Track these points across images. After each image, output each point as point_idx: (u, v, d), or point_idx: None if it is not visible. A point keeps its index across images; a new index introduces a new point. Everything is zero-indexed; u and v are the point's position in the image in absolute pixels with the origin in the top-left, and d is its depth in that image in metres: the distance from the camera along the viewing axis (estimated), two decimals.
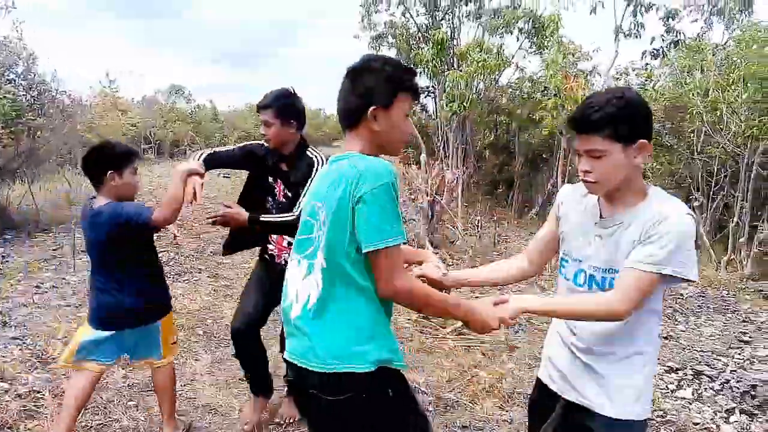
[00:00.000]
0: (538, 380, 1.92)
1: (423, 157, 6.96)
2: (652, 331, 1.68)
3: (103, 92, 10.23)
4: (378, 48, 10.59)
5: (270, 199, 2.97)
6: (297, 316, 1.61)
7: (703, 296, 5.97)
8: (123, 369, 3.60)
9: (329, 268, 1.53)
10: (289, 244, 2.87)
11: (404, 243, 1.51)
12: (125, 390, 3.42)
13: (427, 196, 6.69)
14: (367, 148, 1.61)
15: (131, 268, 2.56)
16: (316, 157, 2.84)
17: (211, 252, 6.89)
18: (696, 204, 7.63)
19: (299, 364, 1.58)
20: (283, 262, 2.90)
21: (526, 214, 10.33)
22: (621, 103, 1.54)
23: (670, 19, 5.49)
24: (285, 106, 2.82)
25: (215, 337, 4.45)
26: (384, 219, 1.44)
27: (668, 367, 4.03)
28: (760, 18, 7.70)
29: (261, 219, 2.65)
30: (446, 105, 6.72)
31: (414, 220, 7.47)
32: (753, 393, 3.50)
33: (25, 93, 8.10)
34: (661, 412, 3.39)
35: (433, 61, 6.64)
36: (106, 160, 2.52)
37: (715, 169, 7.16)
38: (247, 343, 2.98)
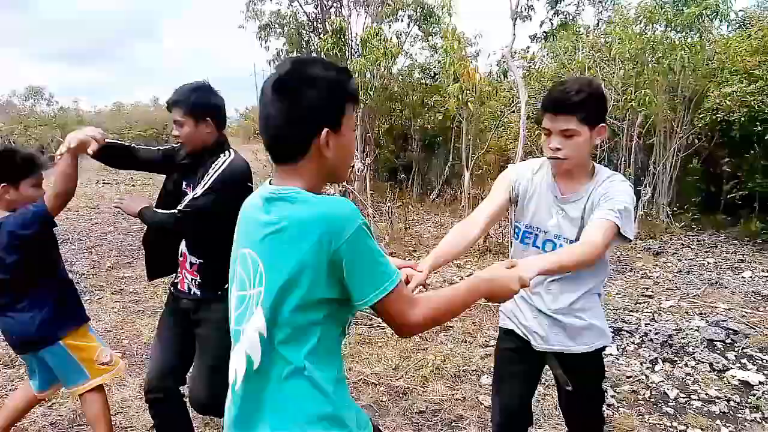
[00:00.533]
0: (510, 331, 2.06)
1: None
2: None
3: None
4: (266, 38, 10.26)
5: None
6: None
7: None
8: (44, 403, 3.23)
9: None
10: (191, 264, 2.40)
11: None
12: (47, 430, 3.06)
13: (339, 186, 6.62)
14: (313, 182, 1.23)
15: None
16: (224, 154, 2.38)
17: (109, 266, 6.35)
18: None
19: None
20: (188, 292, 2.40)
21: (427, 197, 10.59)
22: (593, 90, 1.76)
23: (557, 2, 5.87)
24: (199, 102, 2.35)
25: (136, 356, 4.12)
26: (375, 264, 1.16)
27: None
28: (625, 1, 8.38)
29: (144, 211, 2.26)
30: None
31: None
32: (670, 342, 3.85)
33: None
34: None
35: (334, 50, 6.54)
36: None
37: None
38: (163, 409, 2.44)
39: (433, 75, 11.12)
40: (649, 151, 7.87)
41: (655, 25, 7.22)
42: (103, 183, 13.33)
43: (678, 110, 7.31)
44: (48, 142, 21.46)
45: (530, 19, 5.97)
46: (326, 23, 8.75)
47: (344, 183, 6.86)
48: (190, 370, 2.47)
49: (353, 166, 6.72)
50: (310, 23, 9.89)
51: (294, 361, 1.17)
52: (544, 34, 6.11)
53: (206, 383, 2.32)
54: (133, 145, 2.57)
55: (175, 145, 2.55)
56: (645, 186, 7.13)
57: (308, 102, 1.17)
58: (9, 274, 2.21)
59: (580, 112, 1.72)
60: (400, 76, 10.92)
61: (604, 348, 1.99)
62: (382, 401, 3.32)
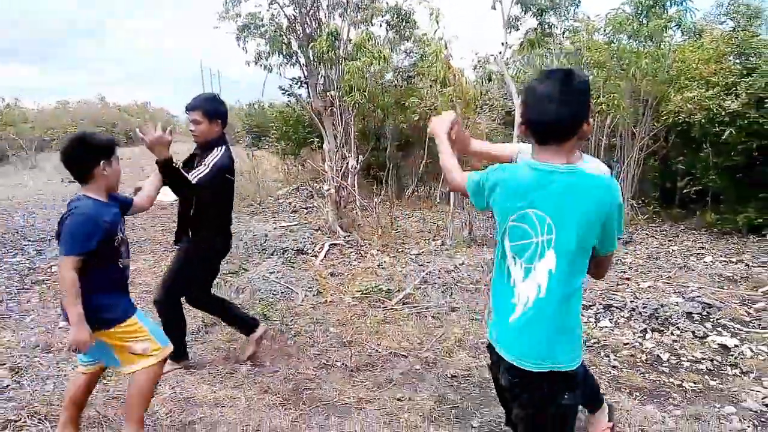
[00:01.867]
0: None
1: (326, 145, 7.19)
2: None
3: None
4: (246, 39, 10.39)
5: None
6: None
7: None
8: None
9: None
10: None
11: None
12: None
13: (333, 182, 6.95)
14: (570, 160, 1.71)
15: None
16: (221, 147, 3.35)
17: None
18: None
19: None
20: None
21: (403, 194, 11.00)
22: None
23: (543, 14, 6.41)
24: (212, 107, 3.36)
25: None
26: (618, 230, 1.71)
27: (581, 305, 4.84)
28: (589, 12, 9.04)
29: (172, 164, 3.00)
30: (347, 95, 7.00)
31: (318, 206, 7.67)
32: (656, 315, 4.40)
33: None
34: (595, 339, 4.13)
35: (329, 52, 6.86)
36: (94, 151, 2.48)
37: None
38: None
39: (407, 77, 11.50)
40: (613, 151, 8.56)
41: (619, 34, 7.89)
42: (69, 181, 13.07)
43: (640, 113, 8.01)
44: None
45: (518, 29, 6.47)
46: (310, 27, 9.03)
47: (339, 179, 7.20)
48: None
49: (347, 163, 7.06)
50: (290, 25, 10.08)
51: (575, 285, 1.71)
52: (530, 43, 6.62)
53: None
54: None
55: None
56: None
57: (581, 99, 1.68)
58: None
59: None
60: (373, 78, 11.29)
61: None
62: (416, 369, 3.70)
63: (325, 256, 6.34)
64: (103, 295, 2.45)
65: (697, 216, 7.91)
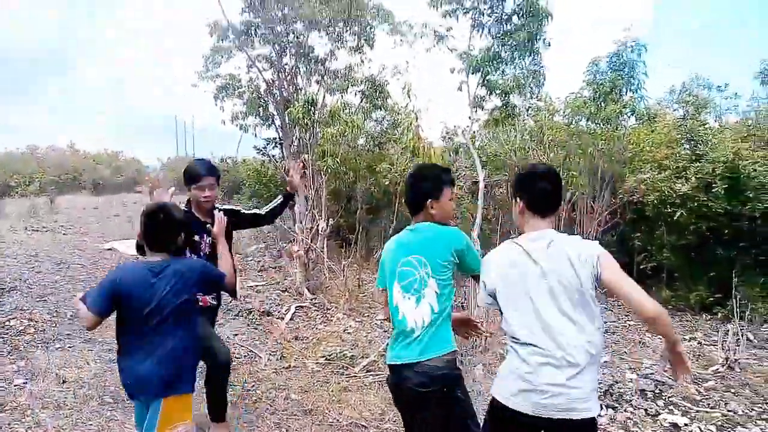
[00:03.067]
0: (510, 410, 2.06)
1: (297, 207, 7.34)
2: None
3: None
4: (223, 99, 10.67)
5: (192, 256, 3.37)
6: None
7: None
8: None
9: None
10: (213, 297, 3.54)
11: None
12: None
13: (303, 243, 7.05)
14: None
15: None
16: (223, 208, 3.58)
17: (71, 316, 6.31)
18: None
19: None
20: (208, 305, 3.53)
21: (371, 257, 11.12)
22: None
23: (507, 95, 6.83)
24: (219, 173, 3.59)
25: (127, 400, 4.26)
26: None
27: None
28: (551, 94, 9.59)
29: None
30: (320, 159, 7.22)
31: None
32: (610, 392, 4.54)
33: None
34: None
35: (305, 119, 7.12)
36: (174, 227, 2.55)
37: None
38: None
39: (377, 144, 11.85)
40: (573, 226, 8.91)
41: (577, 116, 8.40)
42: (32, 230, 12.84)
43: (597, 190, 8.43)
44: None
45: (483, 108, 6.87)
46: (287, 91, 9.35)
47: (308, 241, 7.30)
48: None
49: (317, 225, 7.19)
50: (267, 89, 10.41)
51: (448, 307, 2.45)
52: (495, 121, 7.01)
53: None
54: None
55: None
56: None
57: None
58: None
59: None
60: (346, 143, 11.61)
61: None
62: None
63: (291, 319, 6.36)
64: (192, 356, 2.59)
65: (654, 292, 8.21)
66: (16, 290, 7.27)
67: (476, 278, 2.41)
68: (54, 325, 5.96)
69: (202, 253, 3.41)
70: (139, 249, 2.74)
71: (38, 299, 6.93)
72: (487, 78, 6.33)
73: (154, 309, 2.37)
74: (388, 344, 2.66)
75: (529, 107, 9.81)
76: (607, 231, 8.73)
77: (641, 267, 8.39)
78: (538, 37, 6.27)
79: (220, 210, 3.50)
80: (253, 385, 4.56)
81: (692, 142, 7.53)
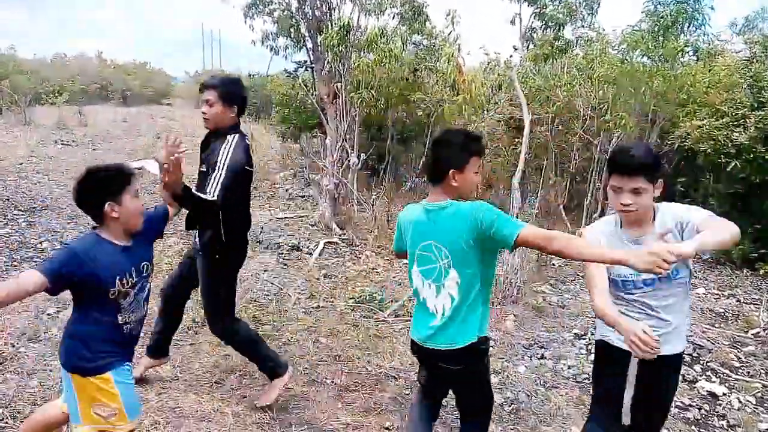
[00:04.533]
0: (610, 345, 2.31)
1: (328, 141, 7.09)
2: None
3: None
4: (253, 16, 10.19)
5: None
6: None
7: (568, 264, 6.95)
8: None
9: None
10: None
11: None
12: None
13: (333, 177, 6.86)
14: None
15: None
16: (234, 136, 2.98)
17: None
18: (551, 182, 8.80)
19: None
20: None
21: (401, 188, 10.92)
22: (652, 155, 2.18)
23: (561, 28, 6.29)
24: (230, 90, 3.02)
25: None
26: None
27: (574, 334, 4.84)
28: (605, 23, 8.91)
29: (188, 190, 2.62)
30: (354, 91, 6.88)
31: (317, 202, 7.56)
32: None
33: None
34: (585, 375, 4.13)
35: (339, 46, 6.72)
36: (99, 190, 2.14)
37: (573, 155, 8.33)
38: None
39: (413, 70, 11.33)
40: None
41: (633, 51, 7.80)
42: (62, 144, 12.86)
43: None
44: None
45: (532, 41, 6.35)
46: (320, 11, 8.83)
47: (338, 175, 7.11)
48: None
49: (348, 159, 6.97)
50: (299, 7, 9.87)
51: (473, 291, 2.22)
52: (545, 55, 6.52)
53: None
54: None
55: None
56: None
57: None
58: None
59: (645, 173, 2.09)
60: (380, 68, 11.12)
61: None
62: (405, 394, 3.69)
63: (319, 255, 6.29)
64: (91, 340, 2.18)
65: None
66: (47, 209, 7.31)
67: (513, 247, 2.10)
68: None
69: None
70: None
71: (69, 220, 6.97)
72: (543, 11, 5.80)
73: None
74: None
75: (579, 37, 9.17)
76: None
77: None
78: None
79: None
80: (283, 325, 4.53)
81: (755, 88, 6.94)
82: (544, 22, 5.96)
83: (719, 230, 2.00)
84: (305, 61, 10.38)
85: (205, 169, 3.00)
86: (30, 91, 21.12)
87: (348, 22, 6.88)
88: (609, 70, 7.57)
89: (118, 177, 2.18)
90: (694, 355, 4.51)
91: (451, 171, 2.23)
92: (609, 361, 2.36)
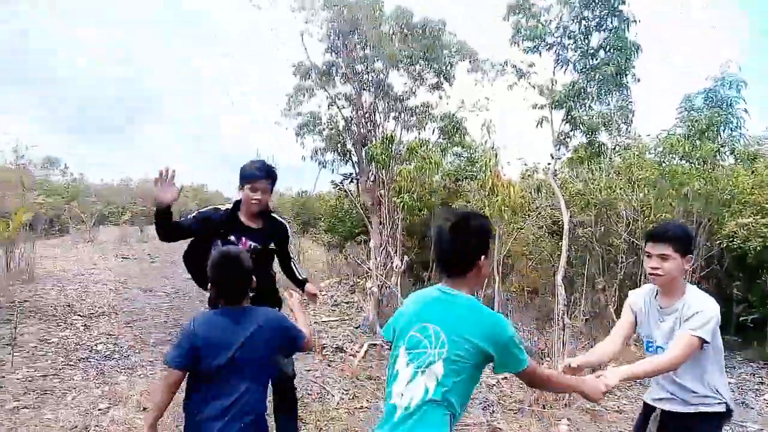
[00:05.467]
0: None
1: (372, 243, 7.32)
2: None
3: (5, 166, 9.46)
4: (304, 135, 10.96)
5: None
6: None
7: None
8: None
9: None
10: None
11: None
12: None
13: (377, 279, 6.98)
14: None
15: None
16: (283, 221, 3.55)
17: (153, 342, 6.51)
18: (599, 287, 8.64)
19: None
20: None
21: None
22: (684, 229, 2.56)
23: (593, 133, 6.54)
24: (275, 176, 3.40)
25: None
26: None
27: None
28: (640, 131, 9.17)
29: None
30: (397, 196, 7.21)
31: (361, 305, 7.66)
32: None
33: None
34: None
35: (382, 156, 7.15)
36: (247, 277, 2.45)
37: (619, 258, 8.25)
38: None
39: (455, 180, 11.74)
40: None
41: (670, 155, 7.94)
42: (122, 257, 13.58)
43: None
44: (61, 213, 21.91)
45: (567, 145, 6.62)
46: (365, 128, 9.47)
47: (382, 277, 7.23)
48: None
49: (392, 262, 7.12)
50: (346, 126, 10.61)
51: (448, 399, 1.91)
52: (579, 159, 6.75)
53: None
54: (177, 221, 3.28)
55: (200, 212, 3.42)
56: None
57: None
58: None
59: (673, 243, 2.40)
60: (425, 179, 11.59)
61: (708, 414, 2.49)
62: None
63: (363, 357, 6.26)
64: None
65: (755, 347, 7.50)
66: (104, 315, 7.63)
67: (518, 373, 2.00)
68: (138, 351, 6.14)
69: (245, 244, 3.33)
70: (212, 304, 2.48)
71: (125, 325, 7.22)
72: (571, 114, 6.09)
73: (232, 360, 2.30)
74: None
75: (617, 145, 9.43)
76: (703, 279, 8.12)
77: (741, 319, 7.71)
78: (626, 72, 5.98)
79: (275, 216, 3.51)
80: (326, 425, 4.46)
81: None
82: (573, 127, 6.21)
83: (655, 363, 2.38)
84: (351, 174, 10.97)
85: (272, 246, 3.46)
86: (96, 213, 22.73)
87: (391, 134, 7.34)
88: (648, 173, 7.70)
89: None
90: None
91: (481, 258, 2.02)
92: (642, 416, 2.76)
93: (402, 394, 1.93)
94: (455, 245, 2.01)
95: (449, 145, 10.71)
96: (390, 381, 2.04)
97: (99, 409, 4.46)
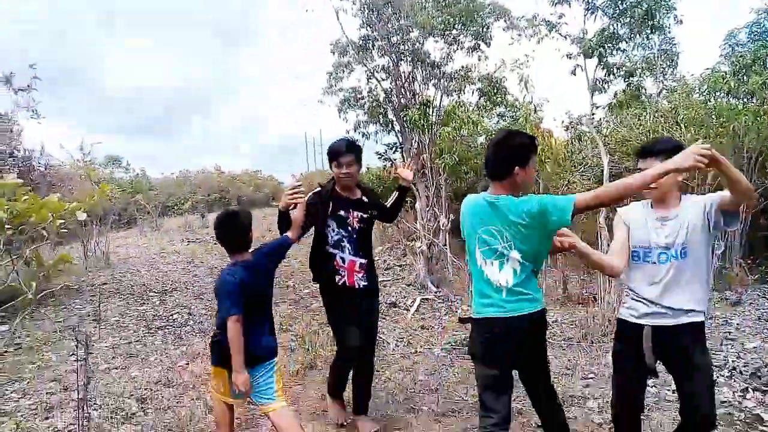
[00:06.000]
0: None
1: (418, 204, 7.57)
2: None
3: (75, 165, 10.21)
4: (346, 110, 11.24)
5: (340, 231, 3.50)
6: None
7: None
8: None
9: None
10: (361, 266, 3.53)
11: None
12: None
13: (425, 239, 7.24)
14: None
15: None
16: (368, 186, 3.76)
17: None
18: None
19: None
20: (357, 286, 3.54)
21: None
22: (672, 142, 2.55)
23: (631, 76, 6.49)
24: (359, 150, 3.57)
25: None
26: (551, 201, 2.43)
27: None
28: (684, 71, 8.96)
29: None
30: (439, 158, 7.40)
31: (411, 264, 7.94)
32: (759, 374, 4.18)
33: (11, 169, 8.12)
34: None
35: (421, 120, 7.35)
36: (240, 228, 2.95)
37: None
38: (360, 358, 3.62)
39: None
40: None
41: (717, 92, 7.77)
42: (187, 241, 14.35)
43: (744, 170, 7.70)
44: (127, 206, 23.24)
45: (605, 91, 6.59)
46: (404, 98, 9.65)
47: (430, 236, 7.49)
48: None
49: (438, 221, 7.36)
50: (386, 97, 10.80)
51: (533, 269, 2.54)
52: (619, 104, 6.72)
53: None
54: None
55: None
56: (717, 241, 7.46)
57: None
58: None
59: (663, 156, 2.40)
60: (463, 141, 11.69)
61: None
62: None
63: (416, 310, 6.56)
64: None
65: None
66: (176, 290, 8.24)
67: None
68: (209, 317, 6.67)
69: (350, 228, 3.50)
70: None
71: (195, 297, 7.80)
72: (605, 60, 6.07)
73: (266, 295, 3.02)
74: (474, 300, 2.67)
75: (663, 89, 9.26)
76: (757, 214, 7.96)
77: None
78: (657, 12, 5.88)
79: (363, 186, 3.70)
80: (383, 367, 4.79)
81: None
82: (608, 72, 6.17)
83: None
84: (395, 143, 11.21)
85: (353, 213, 3.54)
86: (159, 204, 23.95)
87: (426, 99, 7.51)
88: (694, 113, 7.58)
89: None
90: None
91: (516, 168, 2.47)
92: (624, 339, 2.67)
93: (498, 280, 2.50)
94: (495, 156, 2.54)
95: (491, 104, 10.74)
96: (477, 276, 2.59)
97: (179, 366, 4.95)
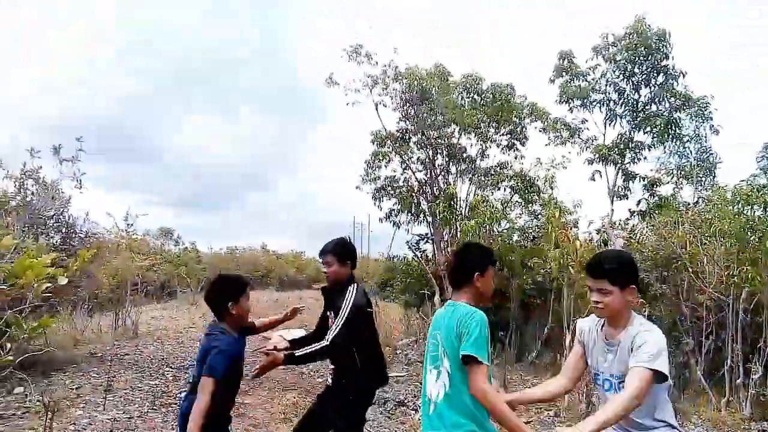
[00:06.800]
0: None
1: (437, 298, 7.48)
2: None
3: (119, 234, 10.70)
4: (381, 198, 11.48)
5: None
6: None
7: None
8: None
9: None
10: (331, 368, 3.59)
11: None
12: None
13: None
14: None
15: None
16: (351, 289, 3.52)
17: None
18: (688, 348, 8.10)
19: None
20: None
21: (525, 357, 10.63)
22: (621, 260, 2.46)
23: (654, 186, 6.42)
24: (342, 250, 3.62)
25: None
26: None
27: None
28: (721, 181, 8.78)
29: (295, 354, 3.29)
30: None
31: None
32: None
33: (54, 234, 8.57)
34: None
35: (444, 212, 7.43)
36: (226, 291, 2.98)
37: (704, 315, 7.76)
38: None
39: (532, 238, 11.66)
40: (758, 329, 7.72)
41: (748, 205, 7.56)
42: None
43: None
44: (170, 278, 23.90)
45: (627, 198, 6.53)
46: (438, 189, 9.82)
47: None
48: None
49: None
50: (420, 188, 11.02)
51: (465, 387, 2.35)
52: (642, 212, 6.62)
53: None
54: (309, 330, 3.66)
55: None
56: (755, 364, 6.96)
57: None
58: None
59: (609, 276, 2.36)
60: (500, 238, 11.64)
61: None
62: None
63: None
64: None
65: None
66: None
67: (471, 361, 2.30)
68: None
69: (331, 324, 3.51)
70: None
71: None
72: (623, 167, 6.07)
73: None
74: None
75: (699, 198, 9.08)
76: None
77: None
78: (674, 125, 5.89)
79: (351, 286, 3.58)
80: None
81: None
82: (627, 178, 6.13)
83: (618, 403, 2.17)
84: (426, 234, 11.29)
85: (330, 315, 3.59)
86: (203, 279, 24.52)
87: (453, 192, 7.63)
88: (729, 225, 7.34)
89: (237, 285, 3.04)
90: None
91: (476, 274, 2.53)
92: None
93: (431, 391, 2.49)
94: (456, 264, 2.63)
95: (525, 202, 10.77)
96: (424, 383, 2.61)
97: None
